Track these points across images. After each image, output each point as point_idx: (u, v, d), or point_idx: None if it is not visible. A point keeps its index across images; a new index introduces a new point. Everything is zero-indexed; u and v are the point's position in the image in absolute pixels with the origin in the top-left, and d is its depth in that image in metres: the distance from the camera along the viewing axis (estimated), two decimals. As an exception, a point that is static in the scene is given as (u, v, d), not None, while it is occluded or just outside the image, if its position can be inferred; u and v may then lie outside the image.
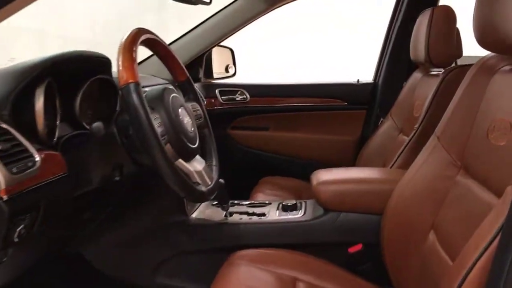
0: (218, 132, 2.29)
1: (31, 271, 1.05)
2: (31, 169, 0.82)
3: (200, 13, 2.02)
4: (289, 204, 1.47)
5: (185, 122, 1.05)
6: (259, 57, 3.89)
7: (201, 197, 1.01)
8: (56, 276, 1.37)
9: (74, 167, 0.98)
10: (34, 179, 0.83)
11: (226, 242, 1.39)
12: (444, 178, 1.08)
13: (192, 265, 1.41)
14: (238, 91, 2.28)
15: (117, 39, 0.98)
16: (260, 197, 1.83)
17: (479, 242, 0.78)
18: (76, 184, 0.99)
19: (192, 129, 1.07)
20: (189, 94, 1.21)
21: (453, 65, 1.69)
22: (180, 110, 1.04)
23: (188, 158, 1.04)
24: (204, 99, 2.19)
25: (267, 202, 1.55)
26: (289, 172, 2.14)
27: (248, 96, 2.28)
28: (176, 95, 1.07)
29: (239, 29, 2.12)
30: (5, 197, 0.76)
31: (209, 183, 1.07)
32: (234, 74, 2.38)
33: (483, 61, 1.07)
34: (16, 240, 0.80)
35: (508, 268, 0.66)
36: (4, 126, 0.83)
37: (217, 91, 2.27)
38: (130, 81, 0.88)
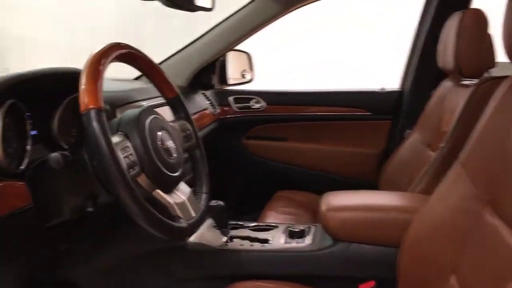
0: (231, 142, 2.22)
1: None
2: None
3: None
4: (296, 230, 1.33)
5: (166, 147, 0.93)
6: (278, 60, 3.78)
7: (180, 234, 0.90)
8: None
9: (43, 197, 0.89)
10: None
11: (224, 270, 1.27)
12: (468, 214, 0.93)
13: None
14: (253, 98, 2.16)
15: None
16: (271, 215, 1.71)
17: None
18: (46, 215, 0.90)
19: (175, 154, 0.96)
20: (179, 112, 1.10)
21: (486, 75, 1.50)
22: (160, 133, 0.93)
23: (168, 188, 0.93)
24: (217, 107, 2.10)
25: (273, 224, 1.42)
26: (307, 186, 2.00)
27: (264, 104, 2.15)
28: (156, 116, 0.96)
29: (254, 33, 2.00)
30: None
31: (193, 215, 0.96)
32: (251, 80, 2.25)
33: None
34: None
35: None
36: None
37: (231, 98, 2.16)
38: (91, 106, 0.77)
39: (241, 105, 2.16)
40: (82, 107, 0.77)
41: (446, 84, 1.71)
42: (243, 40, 2.00)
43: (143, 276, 1.33)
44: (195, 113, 1.82)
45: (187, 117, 1.10)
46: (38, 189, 0.88)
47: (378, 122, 2.10)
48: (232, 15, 1.97)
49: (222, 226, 1.29)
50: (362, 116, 2.11)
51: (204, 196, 1.05)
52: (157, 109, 1.42)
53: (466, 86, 1.52)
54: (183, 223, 0.90)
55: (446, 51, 1.53)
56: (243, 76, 2.24)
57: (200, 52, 2.00)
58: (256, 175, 2.18)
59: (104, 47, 0.86)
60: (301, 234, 1.33)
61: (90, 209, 0.90)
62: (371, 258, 1.21)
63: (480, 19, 1.44)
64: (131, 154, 0.84)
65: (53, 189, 0.90)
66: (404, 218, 1.12)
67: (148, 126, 0.90)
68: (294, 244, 1.29)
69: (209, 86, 2.11)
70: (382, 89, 2.13)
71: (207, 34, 1.98)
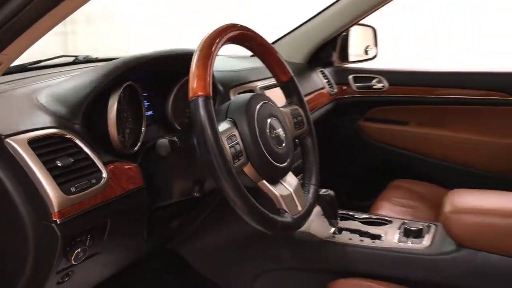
0: (348, 124, 2.10)
1: (128, 269, 1.04)
2: (95, 187, 0.77)
3: None
4: (413, 228, 1.21)
5: (276, 135, 0.88)
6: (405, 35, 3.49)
7: (284, 230, 0.85)
8: (158, 271, 1.37)
9: (154, 178, 0.91)
10: (98, 197, 0.78)
11: (329, 265, 1.21)
12: None
13: (291, 283, 1.28)
14: (375, 77, 2.00)
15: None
16: (385, 206, 1.58)
17: None
18: (156, 196, 0.92)
19: (284, 143, 0.90)
20: (292, 96, 1.03)
21: None
22: (269, 121, 0.88)
23: (274, 179, 0.88)
24: (334, 86, 1.99)
25: (387, 218, 1.31)
26: (429, 176, 1.80)
27: (386, 84, 1.98)
28: (266, 102, 0.91)
29: (384, 4, 1.82)
30: (58, 220, 0.71)
31: (299, 209, 0.90)
32: (375, 57, 2.09)
33: None
34: (74, 262, 0.76)
35: None
36: (70, 137, 0.78)
37: (350, 77, 2.02)
38: (200, 93, 0.75)
39: (361, 84, 2.02)
40: (191, 94, 0.75)
41: None
42: (368, 14, 1.85)
43: (250, 257, 1.33)
44: (310, 93, 1.74)
45: (301, 102, 1.03)
46: (150, 172, 0.90)
47: None
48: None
49: (331, 217, 1.22)
50: (504, 100, 1.82)
51: (312, 188, 0.98)
52: (269, 91, 1.38)
53: None
54: (287, 218, 0.86)
55: None
56: (366, 53, 2.09)
57: (320, 28, 1.89)
58: (372, 161, 2.03)
59: (217, 29, 0.83)
60: (418, 234, 1.20)
61: (197, 194, 0.89)
62: (502, 270, 1.05)
63: None
64: (237, 143, 0.81)
65: (164, 172, 0.91)
66: None
67: (257, 113, 0.86)
68: (410, 244, 1.17)
69: (328, 64, 2.02)
70: (531, 70, 1.82)
71: (329, 9, 1.86)
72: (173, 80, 1.06)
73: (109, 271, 0.96)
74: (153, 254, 1.22)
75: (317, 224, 1.28)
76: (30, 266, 0.73)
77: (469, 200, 1.16)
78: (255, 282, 1.32)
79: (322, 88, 1.88)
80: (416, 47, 3.59)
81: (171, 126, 1.07)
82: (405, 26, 3.61)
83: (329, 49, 1.98)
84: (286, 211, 0.86)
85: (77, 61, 1.34)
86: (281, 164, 0.88)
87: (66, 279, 0.79)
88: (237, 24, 0.88)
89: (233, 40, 0.87)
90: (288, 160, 0.91)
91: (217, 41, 0.81)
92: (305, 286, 1.25)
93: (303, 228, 1.26)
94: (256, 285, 1.32)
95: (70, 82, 0.89)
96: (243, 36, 0.89)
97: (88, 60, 1.37)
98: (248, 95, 0.89)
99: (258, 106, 0.87)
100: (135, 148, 0.93)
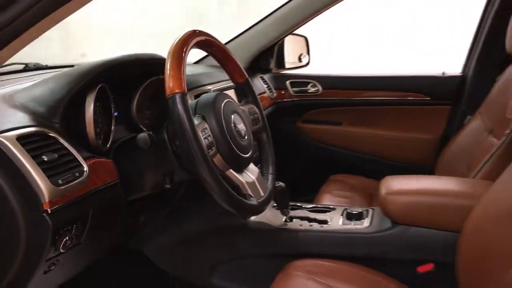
0: (287, 125, 2.26)
1: (92, 268, 1.08)
2: (79, 180, 0.82)
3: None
4: (354, 212, 1.37)
5: (238, 129, 0.99)
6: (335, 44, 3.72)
7: (252, 211, 0.96)
8: (118, 271, 1.41)
9: (127, 173, 0.97)
10: (81, 189, 0.83)
11: (284, 249, 1.33)
12: None
13: (248, 269, 1.38)
14: (310, 82, 2.18)
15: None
16: (327, 198, 1.74)
17: None
18: (129, 189, 0.99)
19: (246, 136, 1.01)
20: (247, 96, 1.15)
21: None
22: (233, 116, 0.99)
23: (240, 168, 0.98)
24: (274, 91, 2.14)
25: (331, 206, 1.46)
26: (361, 170, 2.01)
27: (320, 88, 2.16)
28: (229, 100, 1.01)
29: (315, 16, 2.00)
30: (49, 210, 0.76)
31: (262, 194, 1.01)
32: (307, 64, 2.27)
33: None
34: (62, 251, 0.81)
35: None
36: (53, 135, 0.83)
37: (287, 82, 2.19)
38: (176, 91, 0.84)
39: (298, 89, 2.19)
40: (168, 91, 0.84)
41: (513, 69, 1.66)
42: (302, 25, 2.02)
43: (207, 250, 1.41)
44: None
45: (256, 101, 1.14)
46: (122, 167, 0.97)
47: (437, 108, 2.06)
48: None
49: (282, 206, 1.35)
50: (421, 101, 2.08)
51: (270, 177, 1.10)
52: None
53: (536, 72, 1.48)
54: (253, 201, 0.96)
55: None
56: (300, 60, 2.26)
57: (259, 37, 2.03)
58: (311, 158, 2.21)
59: (184, 35, 0.92)
60: (359, 216, 1.36)
61: (168, 186, 0.97)
62: (431, 242, 1.23)
63: None
64: (209, 136, 0.91)
65: (136, 166, 0.98)
66: (466, 204, 1.12)
67: (223, 109, 0.96)
68: (352, 225, 1.33)
69: (267, 70, 2.16)
70: (443, 73, 2.09)
71: (267, 19, 2.01)
72: (137, 83, 1.13)
73: (86, 262, 1.01)
74: (115, 252, 1.26)
75: (270, 214, 1.40)
76: (21, 256, 0.77)
77: (400, 184, 1.34)
78: (213, 272, 1.40)
79: (264, 93, 2.01)
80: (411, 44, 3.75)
81: (135, 126, 1.13)
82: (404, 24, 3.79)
83: (268, 57, 2.13)
84: (251, 196, 0.97)
85: (27, 68, 1.36)
86: (245, 154, 0.99)
87: (52, 268, 0.83)
88: (202, 31, 0.98)
89: (199, 45, 0.97)
90: (250, 152, 1.02)
91: (186, 45, 0.90)
92: (261, 271, 1.35)
93: (257, 218, 1.38)
94: (215, 275, 1.40)
95: (47, 85, 0.93)
96: (207, 42, 0.99)
97: (38, 68, 1.40)
98: (213, 94, 0.99)
99: (223, 104, 0.98)
100: (107, 146, 0.99)
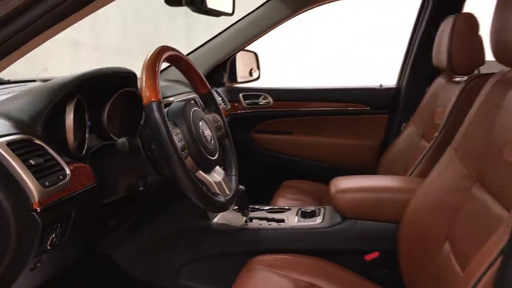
0: (241, 136, 2.37)
1: (63, 274, 1.13)
2: (62, 182, 0.89)
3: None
4: (307, 210, 1.50)
5: (205, 134, 1.09)
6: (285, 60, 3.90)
7: (220, 208, 1.06)
8: (87, 278, 1.45)
9: (102, 178, 1.05)
10: (65, 191, 0.90)
11: (246, 247, 1.43)
12: (459, 190, 1.09)
13: (213, 269, 1.46)
14: (261, 95, 2.32)
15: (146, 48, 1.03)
16: (281, 201, 1.87)
17: (486, 256, 0.79)
18: (104, 193, 1.06)
19: (212, 141, 1.12)
20: (210, 106, 1.26)
21: (476, 72, 1.68)
22: (200, 123, 1.09)
23: (208, 169, 1.09)
24: (228, 104, 2.26)
25: (286, 207, 1.59)
26: (311, 176, 2.17)
27: (271, 100, 2.31)
28: (196, 108, 1.12)
29: (264, 34, 2.16)
30: (38, 209, 0.82)
31: (228, 193, 1.12)
32: (258, 78, 2.42)
33: (501, 74, 1.07)
34: (48, 248, 0.87)
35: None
36: (38, 142, 0.90)
37: (240, 95, 2.32)
38: (153, 99, 0.93)
39: (250, 101, 2.32)
40: (145, 100, 0.93)
41: (440, 80, 1.89)
42: (253, 41, 2.17)
43: (173, 253, 1.48)
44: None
45: (218, 110, 1.26)
46: (99, 171, 1.04)
47: (376, 116, 2.28)
48: (243, 17, 2.12)
49: (243, 208, 1.46)
50: (361, 110, 2.28)
51: (234, 178, 1.21)
52: None
53: (458, 82, 1.70)
54: (221, 199, 1.07)
55: (440, 51, 1.70)
56: (250, 74, 2.40)
57: (213, 52, 2.15)
58: (265, 166, 2.34)
59: (155, 50, 1.02)
60: (312, 214, 1.49)
61: (141, 188, 1.06)
62: (375, 232, 1.38)
63: (471, 22, 1.61)
64: (181, 140, 1.00)
65: (111, 170, 1.06)
66: (404, 198, 1.28)
67: (192, 117, 1.06)
68: (307, 222, 1.46)
69: (221, 84, 2.27)
70: (380, 86, 2.31)
71: (220, 35, 2.14)
72: (107, 95, 1.20)
73: (64, 263, 1.06)
74: (84, 258, 1.32)
75: (231, 216, 1.51)
76: (11, 254, 0.82)
77: (347, 183, 1.49)
78: (179, 275, 1.48)
79: (219, 105, 2.13)
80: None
81: (106, 135, 1.21)
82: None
83: (221, 71, 2.25)
84: (219, 194, 1.08)
85: None
86: (212, 157, 1.09)
87: (38, 265, 0.89)
88: (170, 46, 1.08)
89: (169, 59, 1.07)
90: (217, 155, 1.13)
91: (159, 58, 1.00)
92: (226, 269, 1.44)
93: (219, 220, 1.48)
94: (181, 277, 1.48)
95: (28, 96, 0.99)
96: (176, 56, 1.10)
97: (0, 82, 1.44)
98: (183, 103, 1.09)
99: (191, 112, 1.08)
100: (83, 152, 1.06)
